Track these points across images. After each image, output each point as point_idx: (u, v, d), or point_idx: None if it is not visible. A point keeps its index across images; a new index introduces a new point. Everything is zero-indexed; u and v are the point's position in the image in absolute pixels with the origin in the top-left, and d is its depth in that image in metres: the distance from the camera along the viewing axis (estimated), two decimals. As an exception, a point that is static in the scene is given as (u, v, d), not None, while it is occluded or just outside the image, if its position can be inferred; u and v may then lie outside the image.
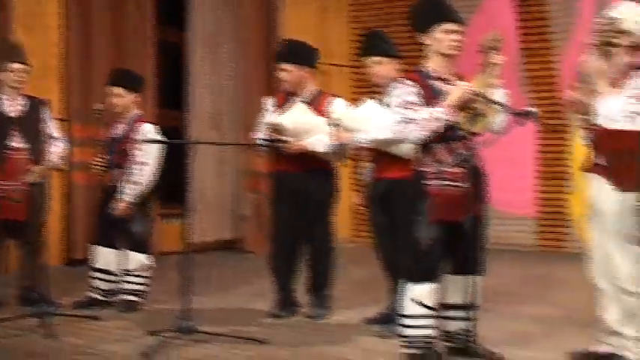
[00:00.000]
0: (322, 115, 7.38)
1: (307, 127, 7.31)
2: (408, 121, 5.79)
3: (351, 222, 11.59)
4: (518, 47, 11.18)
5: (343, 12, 12.85)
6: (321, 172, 7.54)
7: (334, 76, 11.98)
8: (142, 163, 7.72)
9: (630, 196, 5.18)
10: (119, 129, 7.95)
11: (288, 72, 7.55)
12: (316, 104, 7.48)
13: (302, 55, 7.64)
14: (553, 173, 10.68)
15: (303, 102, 7.48)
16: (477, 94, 5.69)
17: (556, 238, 10.70)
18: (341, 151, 7.30)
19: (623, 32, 5.66)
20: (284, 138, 7.31)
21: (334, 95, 7.62)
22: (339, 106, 7.39)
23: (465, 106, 5.72)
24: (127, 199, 7.70)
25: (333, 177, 7.64)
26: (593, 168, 5.52)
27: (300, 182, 7.46)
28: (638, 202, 5.12)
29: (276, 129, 7.35)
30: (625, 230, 5.46)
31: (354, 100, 7.76)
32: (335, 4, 12.81)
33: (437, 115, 5.75)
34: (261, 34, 12.29)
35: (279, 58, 7.67)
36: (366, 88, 7.10)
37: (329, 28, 12.44)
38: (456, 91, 5.76)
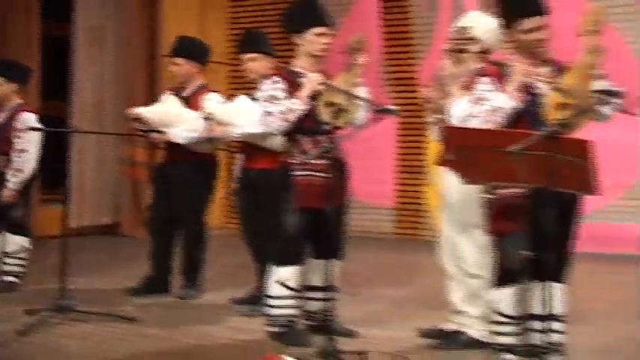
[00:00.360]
0: (197, 108, 7.41)
1: (172, 118, 7.35)
2: (270, 114, 5.91)
3: (223, 210, 11.57)
4: (383, 50, 11.31)
5: (222, 13, 12.84)
6: (199, 163, 7.54)
7: (212, 73, 11.96)
8: (23, 151, 7.61)
9: (475, 188, 5.32)
10: (1, 117, 7.83)
11: (179, 66, 7.59)
12: (194, 98, 7.51)
13: (192, 51, 7.68)
14: (411, 167, 10.83)
15: (185, 96, 7.54)
16: (339, 89, 5.79)
17: (413, 226, 10.85)
18: (208, 142, 7.35)
19: (473, 40, 5.81)
20: (154, 128, 7.35)
21: (212, 90, 7.64)
22: (212, 100, 7.42)
23: (326, 100, 5.81)
24: (12, 186, 7.59)
25: (212, 168, 7.68)
26: (444, 162, 5.66)
27: (177, 172, 7.50)
28: (482, 194, 5.27)
29: (139, 119, 7.40)
30: (470, 219, 5.62)
31: (231, 95, 7.79)
32: (214, 5, 12.79)
33: (292, 107, 5.88)
34: (143, 30, 12.20)
35: (172, 53, 7.72)
36: (242, 84, 7.14)
37: (208, 28, 12.39)
38: (307, 82, 5.87)
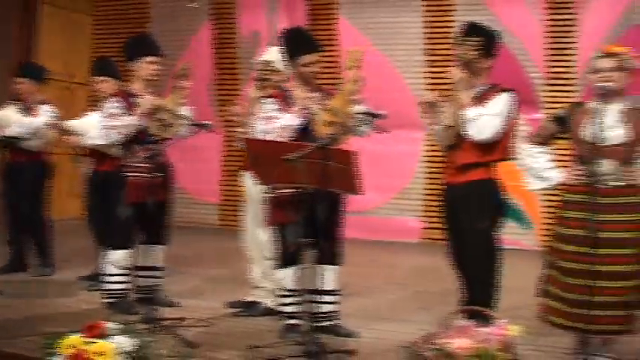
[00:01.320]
0: (35, 116, 7.32)
1: (5, 120, 7.27)
2: (111, 127, 5.85)
3: (78, 203, 11.26)
4: (214, 76, 11.27)
5: (87, 42, 12.55)
6: (36, 163, 7.40)
7: (77, 92, 11.73)
8: None
9: (264, 188, 5.38)
10: None
11: (21, 84, 7.43)
12: (33, 109, 7.37)
13: (32, 72, 7.56)
14: (232, 170, 10.73)
15: (26, 107, 7.38)
16: (161, 107, 5.75)
17: (233, 219, 10.80)
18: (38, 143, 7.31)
19: (274, 71, 5.85)
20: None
21: (46, 103, 7.50)
22: (43, 110, 7.35)
23: (155, 116, 5.76)
24: None
25: (47, 168, 7.52)
26: (246, 167, 5.72)
27: (18, 171, 7.33)
28: (265, 193, 5.36)
29: None
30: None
31: (90, 111, 7.63)
32: (81, 35, 12.49)
33: (128, 122, 5.81)
34: (21, 57, 11.83)
35: (16, 74, 7.59)
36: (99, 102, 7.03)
37: (74, 54, 12.14)
38: (142, 102, 5.81)
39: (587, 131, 4.47)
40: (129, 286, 6.02)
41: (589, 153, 4.45)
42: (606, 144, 4.41)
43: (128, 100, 5.94)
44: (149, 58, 5.99)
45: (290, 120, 5.14)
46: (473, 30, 4.98)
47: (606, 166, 4.47)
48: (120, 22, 11.97)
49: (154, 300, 5.69)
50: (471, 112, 4.87)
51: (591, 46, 4.91)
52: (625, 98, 4.54)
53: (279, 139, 5.03)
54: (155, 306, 5.45)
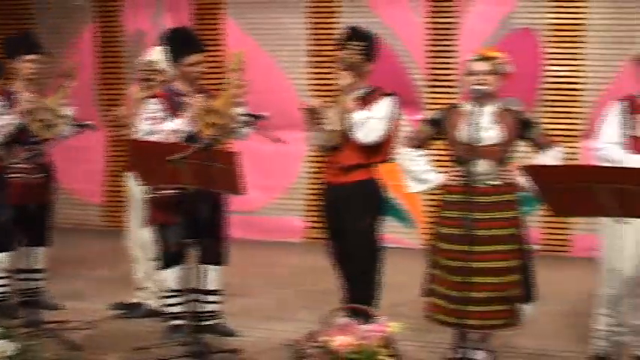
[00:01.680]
0: None
1: None
2: None
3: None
4: (97, 75, 11.08)
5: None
6: None
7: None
8: None
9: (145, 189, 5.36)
10: None
11: None
12: None
13: None
14: (117, 170, 10.58)
15: None
16: (42, 107, 5.65)
17: (117, 219, 10.55)
18: None
19: (158, 71, 5.82)
20: None
21: None
22: None
23: (36, 116, 5.65)
24: None
25: None
26: (129, 167, 5.68)
27: None
28: (145, 193, 5.35)
29: None
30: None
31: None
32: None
33: (7, 121, 5.71)
34: None
35: None
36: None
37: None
38: (21, 101, 5.70)
39: (462, 132, 4.61)
40: (10, 289, 5.91)
41: (465, 153, 4.58)
42: (482, 144, 4.54)
43: (8, 99, 5.82)
44: (29, 57, 5.87)
45: (181, 125, 5.12)
46: (355, 34, 5.05)
47: (483, 165, 4.61)
48: (1, 19, 11.66)
49: (37, 303, 5.64)
50: (357, 116, 4.95)
51: (472, 49, 5.03)
52: (498, 100, 4.69)
53: (163, 141, 5.01)
54: (38, 309, 5.41)
